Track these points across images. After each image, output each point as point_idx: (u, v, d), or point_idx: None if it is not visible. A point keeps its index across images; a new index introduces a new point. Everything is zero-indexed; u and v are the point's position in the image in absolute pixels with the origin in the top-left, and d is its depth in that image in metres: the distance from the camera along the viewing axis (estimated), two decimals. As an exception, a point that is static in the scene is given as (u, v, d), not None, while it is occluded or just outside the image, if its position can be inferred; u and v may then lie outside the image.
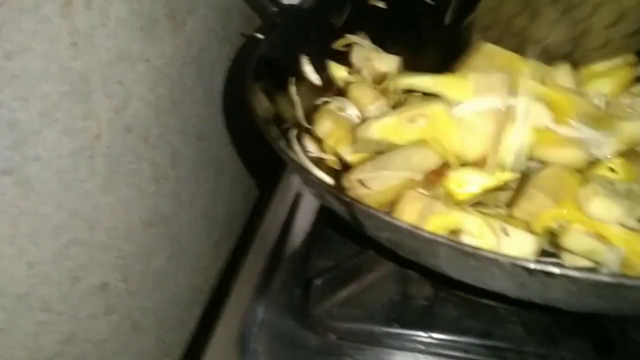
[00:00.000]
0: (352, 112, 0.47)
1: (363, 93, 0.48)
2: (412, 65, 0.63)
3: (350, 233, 0.53)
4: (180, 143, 0.53)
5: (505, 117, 0.39)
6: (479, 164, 0.39)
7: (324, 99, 0.50)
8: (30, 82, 0.32)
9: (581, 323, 0.44)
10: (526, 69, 0.43)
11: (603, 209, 0.34)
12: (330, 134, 0.45)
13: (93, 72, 0.37)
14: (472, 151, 0.39)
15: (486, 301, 0.45)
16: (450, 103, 0.40)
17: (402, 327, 0.44)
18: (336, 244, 0.52)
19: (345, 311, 0.46)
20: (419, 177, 0.37)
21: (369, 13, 0.64)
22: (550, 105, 0.41)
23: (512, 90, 0.40)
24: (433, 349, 0.44)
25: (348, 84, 0.51)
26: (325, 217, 0.54)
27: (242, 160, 0.68)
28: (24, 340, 0.34)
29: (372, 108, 0.47)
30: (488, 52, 0.46)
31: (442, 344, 0.44)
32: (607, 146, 0.40)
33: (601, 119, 0.42)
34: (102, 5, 0.38)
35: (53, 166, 0.35)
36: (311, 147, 0.46)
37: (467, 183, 0.38)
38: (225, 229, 0.67)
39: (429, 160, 0.38)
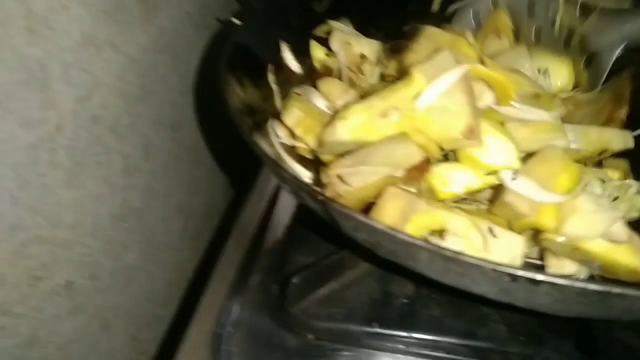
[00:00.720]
0: (320, 104, 0.45)
1: (332, 87, 0.46)
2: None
3: (329, 231, 0.51)
4: (154, 133, 0.51)
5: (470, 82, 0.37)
6: (468, 137, 0.36)
7: (296, 90, 0.47)
8: (-21, 71, 0.29)
9: (566, 324, 0.42)
10: (467, 49, 0.41)
11: (581, 227, 0.33)
12: (299, 123, 0.43)
13: (52, 59, 0.35)
14: (456, 129, 0.36)
15: (469, 301, 0.44)
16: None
17: (383, 327, 0.43)
18: (316, 239, 0.50)
19: (324, 310, 0.44)
20: (400, 173, 0.35)
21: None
22: (492, 86, 0.39)
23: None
24: (414, 349, 0.42)
25: (318, 77, 0.48)
26: (305, 212, 0.53)
27: (221, 150, 0.66)
28: (-22, 347, 0.32)
29: (340, 103, 0.45)
30: (431, 35, 0.44)
31: (424, 344, 0.42)
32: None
33: (542, 98, 0.41)
34: (62, -14, 0.35)
35: (7, 160, 0.32)
36: (282, 134, 0.44)
37: (451, 182, 0.36)
38: (203, 222, 0.65)
39: (411, 155, 0.36)
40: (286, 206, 0.54)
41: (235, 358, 0.42)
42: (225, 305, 0.45)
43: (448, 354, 0.42)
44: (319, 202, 0.30)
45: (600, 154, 0.42)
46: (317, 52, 0.53)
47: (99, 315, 0.45)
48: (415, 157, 0.35)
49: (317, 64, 0.52)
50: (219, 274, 0.49)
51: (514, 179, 0.35)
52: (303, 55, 0.55)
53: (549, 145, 0.38)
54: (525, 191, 0.34)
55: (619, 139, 0.42)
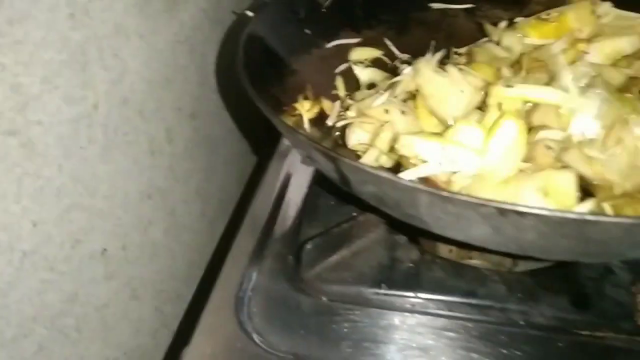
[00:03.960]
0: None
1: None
2: (397, 44, 0.65)
3: (341, 202, 0.55)
4: (174, 119, 0.55)
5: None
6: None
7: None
8: (32, 49, 0.33)
9: (560, 280, 0.46)
10: None
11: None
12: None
13: (90, 43, 0.39)
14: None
15: (470, 261, 0.47)
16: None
17: (390, 288, 0.46)
18: (326, 214, 0.54)
19: (336, 274, 0.48)
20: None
21: (356, -6, 0.66)
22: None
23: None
24: (420, 308, 0.46)
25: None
26: (316, 190, 0.57)
27: (236, 139, 0.70)
28: (30, 296, 0.36)
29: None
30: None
31: (429, 303, 0.46)
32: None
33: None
34: (98, -22, 0.39)
35: (54, 131, 0.36)
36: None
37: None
38: (219, 208, 0.69)
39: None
40: (298, 188, 0.58)
41: (255, 317, 0.46)
42: (245, 272, 0.48)
43: (450, 311, 0.45)
44: (331, 158, 0.33)
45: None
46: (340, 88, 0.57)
47: (128, 284, 0.49)
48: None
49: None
50: (237, 247, 0.53)
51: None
52: (308, 47, 0.60)
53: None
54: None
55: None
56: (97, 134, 0.41)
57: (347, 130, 0.51)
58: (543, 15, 0.57)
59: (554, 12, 0.57)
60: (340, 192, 0.41)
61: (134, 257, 0.49)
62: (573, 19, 0.55)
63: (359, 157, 0.48)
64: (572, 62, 0.50)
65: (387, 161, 0.47)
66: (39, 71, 0.34)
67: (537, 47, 0.53)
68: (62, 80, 0.36)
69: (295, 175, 0.61)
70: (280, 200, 0.57)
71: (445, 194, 0.29)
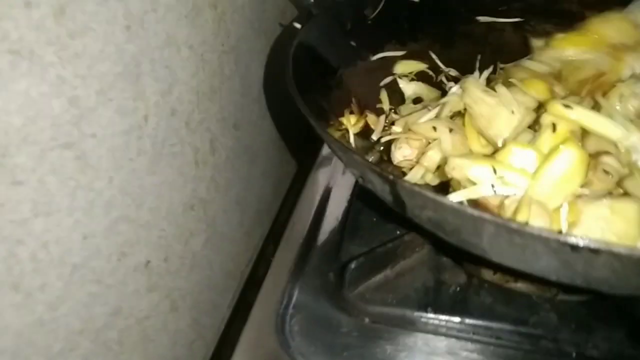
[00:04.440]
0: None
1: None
2: (442, 58, 0.64)
3: (385, 219, 0.54)
4: (218, 130, 0.54)
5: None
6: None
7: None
8: (90, 62, 0.33)
9: (616, 312, 0.44)
10: None
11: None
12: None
13: (143, 55, 0.39)
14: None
15: (520, 288, 0.46)
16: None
17: (436, 312, 0.45)
18: (368, 231, 0.53)
19: (379, 295, 0.47)
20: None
21: (402, 5, 0.65)
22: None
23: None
24: (466, 335, 0.44)
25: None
26: (357, 205, 0.55)
27: (275, 149, 0.70)
28: (78, 310, 0.36)
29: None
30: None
31: (476, 330, 0.44)
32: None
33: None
34: (153, -10, 0.39)
35: (107, 143, 0.36)
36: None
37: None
38: (256, 218, 0.68)
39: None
40: (338, 202, 0.57)
41: (297, 337, 0.45)
42: (286, 289, 0.48)
43: (499, 339, 0.44)
44: (389, 181, 0.32)
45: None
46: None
47: (169, 296, 0.48)
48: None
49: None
50: (278, 262, 0.53)
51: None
52: (353, 59, 0.59)
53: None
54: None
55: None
56: (146, 146, 0.41)
57: (392, 146, 0.50)
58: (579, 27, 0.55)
59: (590, 24, 0.54)
60: (383, 209, 0.40)
61: (175, 269, 0.49)
62: (612, 30, 0.53)
63: (404, 173, 0.47)
64: (617, 78, 0.48)
65: (433, 179, 0.46)
66: (95, 84, 0.34)
67: (578, 64, 0.51)
68: (116, 93, 0.36)
69: (336, 187, 0.60)
70: (321, 215, 0.56)
71: (514, 225, 0.27)
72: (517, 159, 0.40)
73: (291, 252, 0.52)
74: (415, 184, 0.31)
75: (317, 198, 0.59)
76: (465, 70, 0.62)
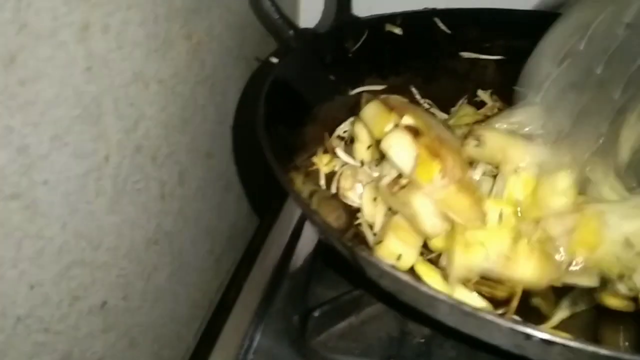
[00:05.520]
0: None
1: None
2: (423, 92, 0.63)
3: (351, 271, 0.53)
4: (189, 160, 0.53)
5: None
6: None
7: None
8: (43, 108, 0.32)
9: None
10: None
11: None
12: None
13: (106, 95, 0.38)
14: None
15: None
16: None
17: (399, 364, 0.44)
18: (337, 272, 0.52)
19: (342, 344, 0.46)
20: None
21: (384, 39, 0.64)
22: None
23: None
24: (428, 389, 0.43)
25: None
26: (327, 249, 0.54)
27: (250, 177, 0.68)
28: (21, 361, 0.34)
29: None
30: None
31: (438, 384, 0.43)
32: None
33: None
34: (120, 29, 0.38)
35: (60, 189, 0.35)
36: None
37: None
38: (228, 245, 0.67)
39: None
40: (309, 236, 0.56)
41: (255, 385, 0.44)
42: (247, 332, 0.46)
43: (461, 395, 0.43)
44: (348, 248, 0.32)
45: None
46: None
47: (127, 333, 0.47)
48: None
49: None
50: (242, 301, 0.51)
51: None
52: (331, 94, 0.58)
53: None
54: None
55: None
56: (106, 186, 0.40)
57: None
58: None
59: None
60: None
61: (135, 306, 0.48)
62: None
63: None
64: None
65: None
66: (49, 129, 0.33)
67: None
68: (73, 136, 0.35)
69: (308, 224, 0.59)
70: (290, 252, 0.55)
71: (468, 309, 0.27)
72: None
73: (257, 292, 0.51)
74: (373, 255, 0.30)
75: (289, 232, 0.58)
76: (447, 105, 0.62)
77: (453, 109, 0.60)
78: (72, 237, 0.37)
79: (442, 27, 0.67)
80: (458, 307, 0.27)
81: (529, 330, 0.26)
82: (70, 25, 0.33)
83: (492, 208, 0.41)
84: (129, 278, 0.46)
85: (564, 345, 0.25)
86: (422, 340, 0.46)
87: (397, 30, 0.65)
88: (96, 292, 0.41)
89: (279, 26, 0.57)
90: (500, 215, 0.40)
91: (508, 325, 0.26)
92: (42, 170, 0.33)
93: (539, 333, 0.25)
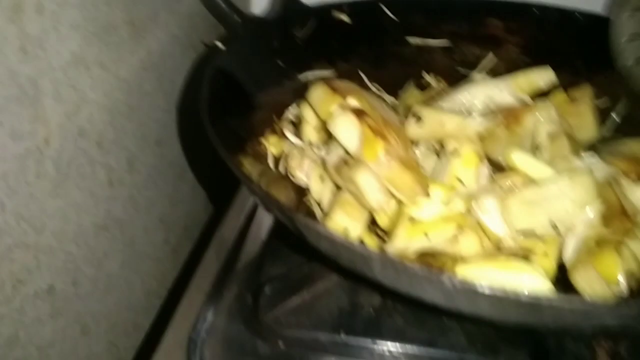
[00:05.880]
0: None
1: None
2: (372, 77, 0.64)
3: (301, 244, 0.54)
4: (137, 148, 0.53)
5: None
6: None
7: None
8: (-26, 86, 0.32)
9: (521, 335, 0.45)
10: None
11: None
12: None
13: (43, 76, 0.38)
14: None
15: (431, 312, 0.46)
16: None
17: (349, 334, 0.45)
18: (290, 253, 0.53)
19: (294, 319, 0.47)
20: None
21: (333, 26, 0.65)
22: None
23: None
24: (378, 358, 0.45)
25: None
26: (279, 227, 0.55)
27: (203, 165, 0.69)
28: (-39, 344, 0.34)
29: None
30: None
31: (388, 352, 0.45)
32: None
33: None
34: (54, 10, 0.38)
35: (-3, 169, 0.35)
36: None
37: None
38: (184, 234, 0.67)
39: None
40: (263, 220, 0.57)
41: (208, 363, 0.44)
42: (200, 312, 0.47)
43: (409, 360, 0.44)
44: (287, 215, 0.32)
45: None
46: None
47: (78, 320, 0.47)
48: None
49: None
50: (196, 283, 0.52)
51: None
52: (279, 78, 0.58)
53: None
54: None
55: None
56: (47, 169, 0.40)
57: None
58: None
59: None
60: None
61: (86, 292, 0.47)
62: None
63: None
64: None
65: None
66: (-20, 109, 0.33)
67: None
68: (8, 116, 0.35)
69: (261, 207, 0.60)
70: (244, 234, 0.55)
71: (397, 263, 0.28)
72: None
73: (211, 272, 0.51)
74: (309, 219, 0.31)
75: (244, 216, 0.58)
76: (396, 89, 0.63)
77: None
78: (12, 218, 0.37)
79: (389, 13, 0.69)
80: (388, 261, 0.28)
81: (452, 279, 0.27)
82: (0, 4, 0.33)
83: (435, 192, 0.42)
84: (77, 263, 0.45)
85: (485, 294, 0.27)
86: (372, 311, 0.47)
87: (345, 18, 0.67)
88: (41, 276, 0.41)
89: (225, 13, 0.57)
90: (446, 200, 0.41)
91: (431, 276, 0.27)
92: (-25, 149, 0.33)
93: (459, 282, 0.27)
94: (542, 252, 0.38)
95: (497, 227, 0.39)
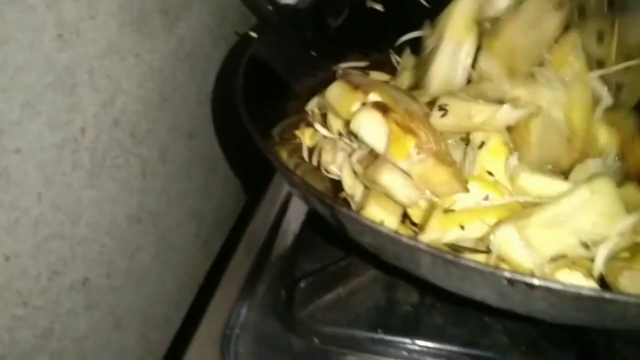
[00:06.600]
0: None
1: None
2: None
3: (337, 237, 0.53)
4: (170, 139, 0.53)
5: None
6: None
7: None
8: (13, 73, 0.31)
9: (568, 336, 0.43)
10: None
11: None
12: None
13: (79, 64, 0.37)
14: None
15: (472, 309, 0.45)
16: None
17: (386, 333, 0.44)
18: (324, 246, 0.51)
19: (330, 315, 0.45)
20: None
21: (366, 15, 0.64)
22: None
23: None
24: (417, 356, 0.43)
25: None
26: (314, 219, 0.54)
27: (235, 158, 0.68)
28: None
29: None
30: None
31: (426, 351, 0.43)
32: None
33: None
34: (91, -3, 0.37)
35: (34, 158, 0.34)
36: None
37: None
38: (215, 228, 0.66)
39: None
40: (296, 213, 0.56)
41: (242, 358, 0.43)
42: (234, 307, 0.46)
43: (449, 361, 0.43)
44: (328, 206, 0.31)
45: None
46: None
47: (112, 313, 0.47)
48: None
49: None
50: (229, 277, 0.51)
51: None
52: (313, 69, 0.57)
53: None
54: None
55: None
56: (83, 159, 0.39)
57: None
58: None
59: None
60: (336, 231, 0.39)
61: (119, 285, 0.47)
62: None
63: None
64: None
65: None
66: (19, 96, 0.32)
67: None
68: (45, 105, 0.34)
69: (295, 199, 0.58)
70: (277, 228, 0.54)
71: (449, 257, 0.26)
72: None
73: (244, 268, 0.50)
74: (353, 211, 0.30)
75: (276, 210, 0.57)
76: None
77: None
78: (49, 208, 0.36)
79: (422, 1, 0.67)
80: (440, 256, 0.27)
81: (512, 275, 0.25)
82: (38, -11, 0.32)
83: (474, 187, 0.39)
84: (111, 256, 0.45)
85: (546, 288, 0.25)
86: (410, 309, 0.46)
87: (378, 7, 0.65)
88: (77, 267, 0.40)
89: (258, 2, 0.56)
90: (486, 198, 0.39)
91: (489, 271, 0.26)
92: (14, 137, 0.32)
93: (523, 277, 0.25)
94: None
95: (524, 257, 0.35)
